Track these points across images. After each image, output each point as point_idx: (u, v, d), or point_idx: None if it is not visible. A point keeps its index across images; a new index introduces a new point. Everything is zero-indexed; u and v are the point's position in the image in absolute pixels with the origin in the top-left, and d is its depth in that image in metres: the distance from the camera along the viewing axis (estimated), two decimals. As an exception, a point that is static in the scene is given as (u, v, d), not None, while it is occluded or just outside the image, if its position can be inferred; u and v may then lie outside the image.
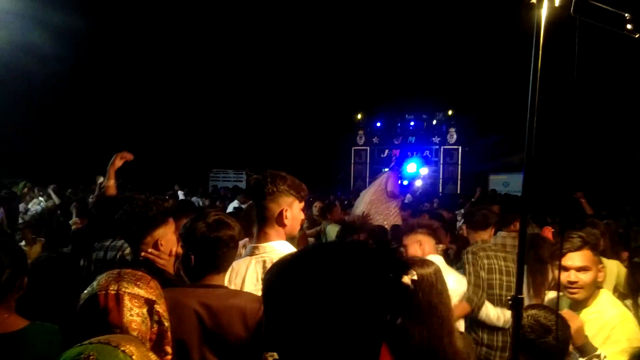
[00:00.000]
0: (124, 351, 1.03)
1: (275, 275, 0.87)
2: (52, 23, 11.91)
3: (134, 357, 1.04)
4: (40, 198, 7.56)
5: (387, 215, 6.49)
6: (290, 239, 2.25)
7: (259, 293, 1.98)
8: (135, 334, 1.28)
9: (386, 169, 7.29)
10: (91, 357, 1.00)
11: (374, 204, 6.57)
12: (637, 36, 1.56)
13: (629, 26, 1.55)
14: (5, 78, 11.97)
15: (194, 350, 1.71)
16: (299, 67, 16.37)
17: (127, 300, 1.31)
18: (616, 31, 1.55)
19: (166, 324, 1.41)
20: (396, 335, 1.63)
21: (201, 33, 15.32)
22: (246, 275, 2.04)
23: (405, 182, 7.90)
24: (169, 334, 1.40)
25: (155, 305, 1.37)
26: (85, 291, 1.37)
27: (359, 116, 17.42)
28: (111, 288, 1.32)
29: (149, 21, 14.47)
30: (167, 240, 2.26)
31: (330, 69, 16.19)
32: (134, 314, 1.31)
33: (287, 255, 0.91)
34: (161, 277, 2.14)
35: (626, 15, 1.55)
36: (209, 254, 1.85)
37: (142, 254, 2.16)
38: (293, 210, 2.15)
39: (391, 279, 0.82)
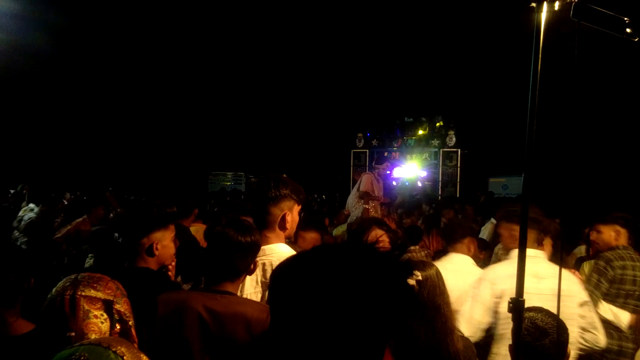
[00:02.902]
0: (115, 352, 1.05)
1: (282, 277, 0.86)
2: (52, 25, 11.91)
3: (125, 357, 1.05)
4: (32, 205, 7.39)
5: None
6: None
7: (258, 296, 2.00)
8: (94, 335, 1.32)
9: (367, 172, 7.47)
10: (82, 359, 1.01)
11: (353, 209, 6.75)
12: (636, 40, 1.56)
13: (628, 30, 1.55)
14: (5, 80, 11.96)
15: (196, 353, 1.71)
16: (298, 69, 16.39)
17: (83, 303, 1.35)
18: (616, 35, 1.55)
19: (130, 322, 1.44)
20: (402, 335, 1.63)
21: (202, 37, 15.33)
22: (245, 278, 2.04)
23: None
24: (133, 331, 1.43)
25: (114, 305, 1.40)
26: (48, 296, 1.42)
27: (358, 119, 17.43)
28: (67, 293, 1.36)
29: (149, 24, 14.47)
30: (164, 245, 2.24)
31: (329, 72, 16.21)
32: (91, 316, 1.35)
33: (293, 256, 0.91)
34: (164, 282, 2.13)
35: (626, 19, 1.55)
36: (228, 258, 1.82)
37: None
38: (293, 214, 2.17)
39: (397, 280, 0.82)
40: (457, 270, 3.01)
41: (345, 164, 17.64)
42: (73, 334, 1.30)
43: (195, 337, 1.71)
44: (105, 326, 1.36)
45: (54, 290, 1.40)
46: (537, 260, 2.61)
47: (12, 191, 9.49)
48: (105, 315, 1.38)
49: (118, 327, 1.40)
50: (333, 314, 0.78)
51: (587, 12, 1.48)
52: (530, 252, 2.45)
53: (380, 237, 3.35)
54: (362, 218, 6.44)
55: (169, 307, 1.75)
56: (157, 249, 2.18)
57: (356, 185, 7.14)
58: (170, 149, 17.75)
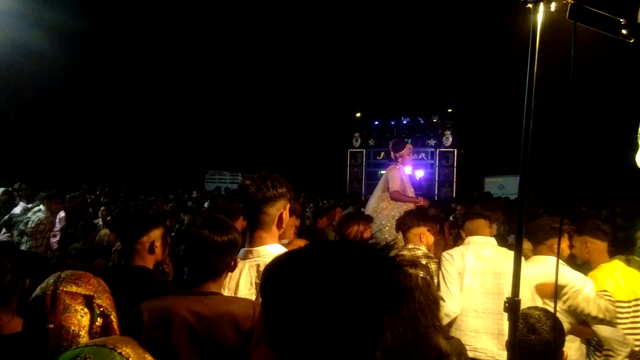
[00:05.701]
0: (120, 353, 1.04)
1: (273, 274, 0.87)
2: (50, 23, 11.87)
3: (130, 358, 1.04)
4: (42, 207, 7.10)
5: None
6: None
7: (253, 297, 1.99)
8: (73, 327, 1.36)
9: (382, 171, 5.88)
10: None
11: (382, 211, 5.38)
12: (632, 41, 1.57)
13: (624, 31, 1.56)
14: (3, 78, 11.91)
15: (186, 359, 1.67)
16: (295, 69, 16.38)
17: (64, 298, 1.39)
18: (611, 36, 1.56)
19: (111, 316, 1.46)
20: (389, 335, 1.64)
21: (198, 35, 15.30)
22: (240, 279, 2.02)
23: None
24: (114, 325, 1.46)
25: (96, 300, 1.44)
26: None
27: (355, 118, 17.44)
28: (49, 289, 1.41)
29: (147, 23, 14.43)
30: (163, 243, 2.23)
31: (326, 72, 16.21)
32: (71, 310, 1.39)
33: (284, 254, 0.92)
34: (158, 284, 2.11)
35: (621, 20, 1.56)
36: (206, 258, 1.78)
37: None
38: (286, 212, 2.14)
39: (386, 278, 0.82)
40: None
41: (342, 164, 17.65)
42: (52, 326, 1.34)
43: (184, 342, 1.67)
44: (86, 320, 1.40)
45: (38, 288, 1.44)
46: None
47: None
48: (86, 310, 1.41)
49: (100, 321, 1.43)
50: (321, 310, 0.78)
51: (583, 13, 1.49)
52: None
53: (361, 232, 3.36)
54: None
55: (153, 314, 1.70)
56: (156, 246, 2.17)
57: (380, 184, 5.71)
58: (168, 147, 17.72)
